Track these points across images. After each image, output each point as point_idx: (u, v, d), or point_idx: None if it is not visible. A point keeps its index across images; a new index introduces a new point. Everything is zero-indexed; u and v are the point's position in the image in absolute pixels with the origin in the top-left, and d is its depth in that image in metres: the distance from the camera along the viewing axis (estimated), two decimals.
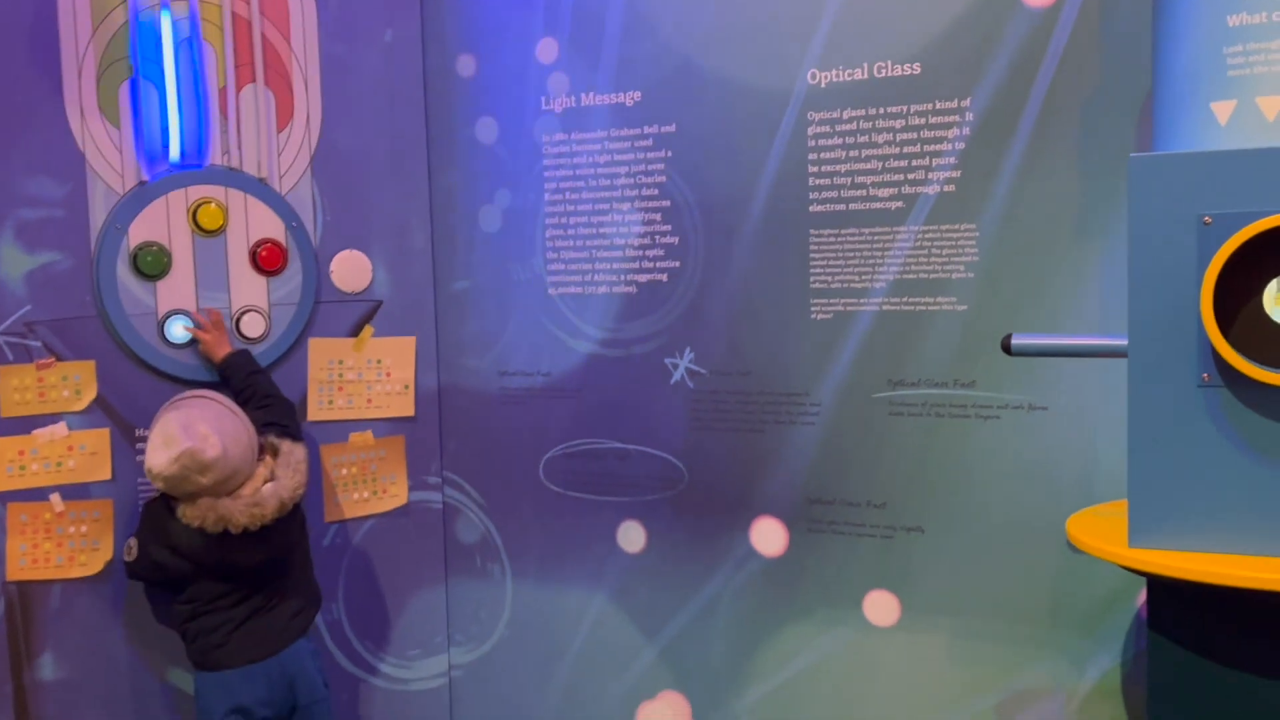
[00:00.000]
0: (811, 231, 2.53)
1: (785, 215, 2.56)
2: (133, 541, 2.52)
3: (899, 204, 2.44)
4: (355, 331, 2.90)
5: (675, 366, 2.72)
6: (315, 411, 2.86)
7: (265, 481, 2.46)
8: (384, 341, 2.92)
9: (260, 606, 2.52)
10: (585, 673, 2.91)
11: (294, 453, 2.53)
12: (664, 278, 2.71)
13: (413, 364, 2.95)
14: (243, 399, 2.63)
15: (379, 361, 2.93)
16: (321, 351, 2.86)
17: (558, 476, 2.90)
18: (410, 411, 2.95)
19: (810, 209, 2.53)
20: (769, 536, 2.65)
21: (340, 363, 2.89)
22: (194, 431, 2.37)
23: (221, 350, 2.65)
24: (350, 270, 2.87)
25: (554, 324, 2.86)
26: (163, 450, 2.36)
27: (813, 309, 2.55)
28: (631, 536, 2.82)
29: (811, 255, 2.54)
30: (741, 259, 2.62)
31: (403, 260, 2.93)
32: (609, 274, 2.78)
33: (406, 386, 2.94)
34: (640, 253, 2.74)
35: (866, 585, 2.54)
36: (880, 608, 2.53)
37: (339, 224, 2.85)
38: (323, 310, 2.84)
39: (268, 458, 2.52)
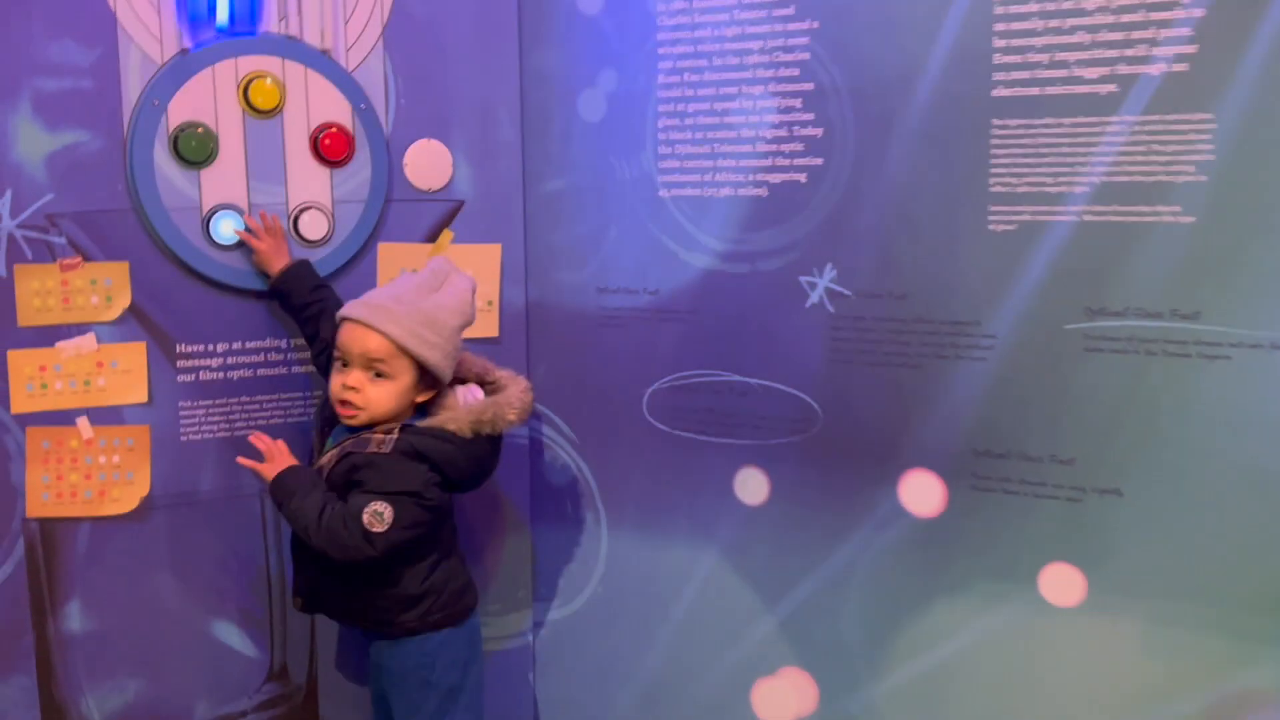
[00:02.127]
0: (994, 122, 2.04)
1: (960, 101, 2.07)
2: (380, 506, 2.01)
3: (1111, 87, 1.94)
4: (432, 236, 2.47)
5: (812, 286, 2.26)
6: None
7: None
8: (465, 249, 2.49)
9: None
10: (691, 640, 2.50)
11: None
12: (802, 178, 2.24)
13: (498, 276, 2.52)
14: (307, 317, 2.23)
15: None
16: (393, 259, 2.44)
17: (665, 413, 2.46)
18: (494, 332, 2.52)
19: (993, 93, 2.04)
20: (922, 493, 2.20)
21: (414, 273, 2.46)
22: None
23: (280, 260, 2.24)
24: (428, 164, 2.43)
25: (665, 232, 2.41)
26: (451, 274, 2.15)
27: (991, 218, 2.07)
28: (751, 486, 2.39)
29: (993, 151, 2.05)
30: (901, 155, 2.14)
31: (487, 154, 2.48)
32: (734, 173, 2.31)
33: (490, 303, 2.52)
34: (774, 147, 2.27)
35: (1044, 556, 2.09)
36: (1060, 584, 2.08)
37: (415, 109, 2.41)
38: (394, 210, 2.42)
39: None
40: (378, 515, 2.01)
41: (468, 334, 2.19)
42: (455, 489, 2.13)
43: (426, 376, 2.09)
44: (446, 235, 2.48)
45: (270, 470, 2.07)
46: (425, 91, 2.41)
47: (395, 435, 2.05)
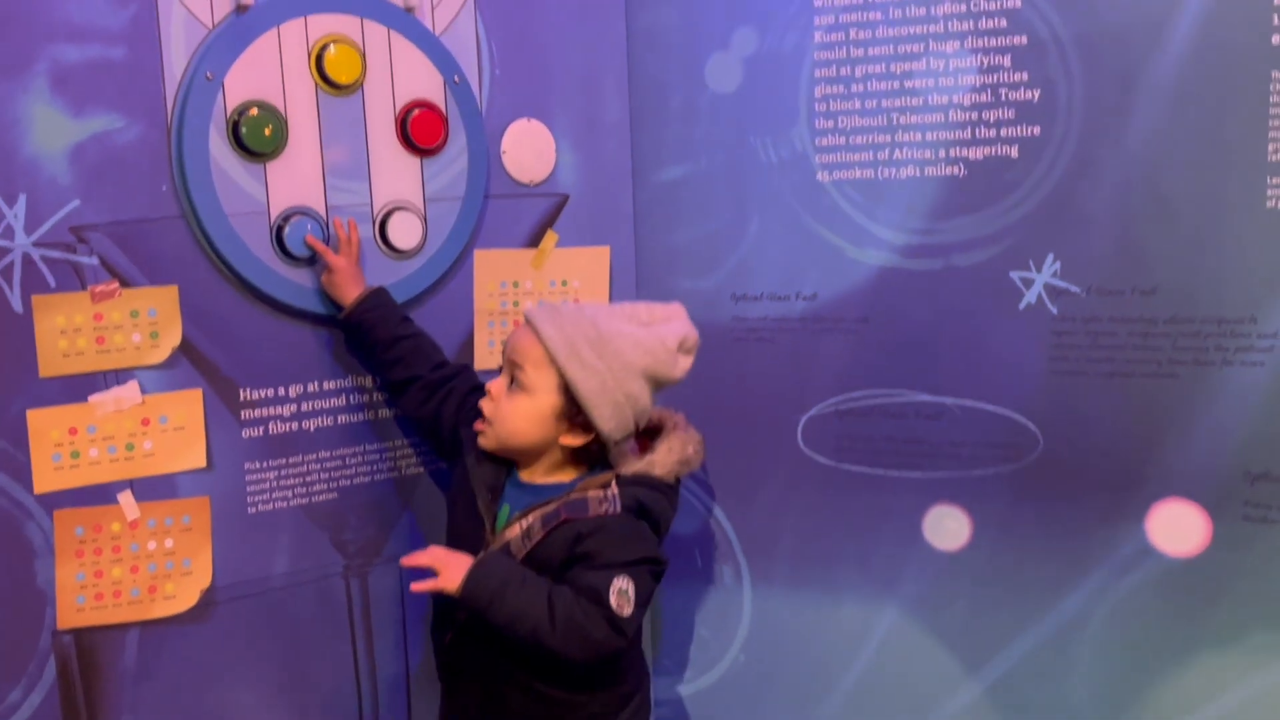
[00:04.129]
0: (1275, 75, 1.67)
1: (1227, 51, 1.70)
2: (623, 583, 1.56)
3: None
4: (533, 241, 2.00)
5: (1028, 283, 1.86)
6: (484, 356, 1.97)
7: None
8: (571, 253, 2.03)
9: None
10: (865, 712, 2.08)
11: None
12: (1013, 152, 1.84)
13: (606, 286, 2.06)
14: (396, 357, 1.75)
15: (564, 283, 2.03)
16: (491, 269, 1.96)
17: (826, 443, 2.03)
18: None
19: (1273, 40, 1.66)
20: (1178, 528, 1.82)
21: (515, 285, 1.99)
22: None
23: (356, 285, 1.75)
24: (530, 150, 1.96)
25: (825, 224, 1.98)
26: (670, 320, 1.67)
27: (1271, 193, 1.70)
28: (948, 527, 1.97)
29: (1273, 114, 1.68)
30: (1146, 120, 1.75)
31: (591, 136, 2.02)
32: (919, 149, 1.90)
33: None
34: (974, 115, 1.86)
35: None
36: None
37: (511, 82, 1.93)
38: (492, 208, 1.94)
39: None
40: (624, 595, 1.55)
41: None
42: None
43: (578, 416, 1.62)
44: (550, 238, 2.01)
45: (451, 578, 1.55)
46: (522, 60, 1.94)
47: (614, 489, 1.60)
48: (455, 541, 1.67)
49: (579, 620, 1.52)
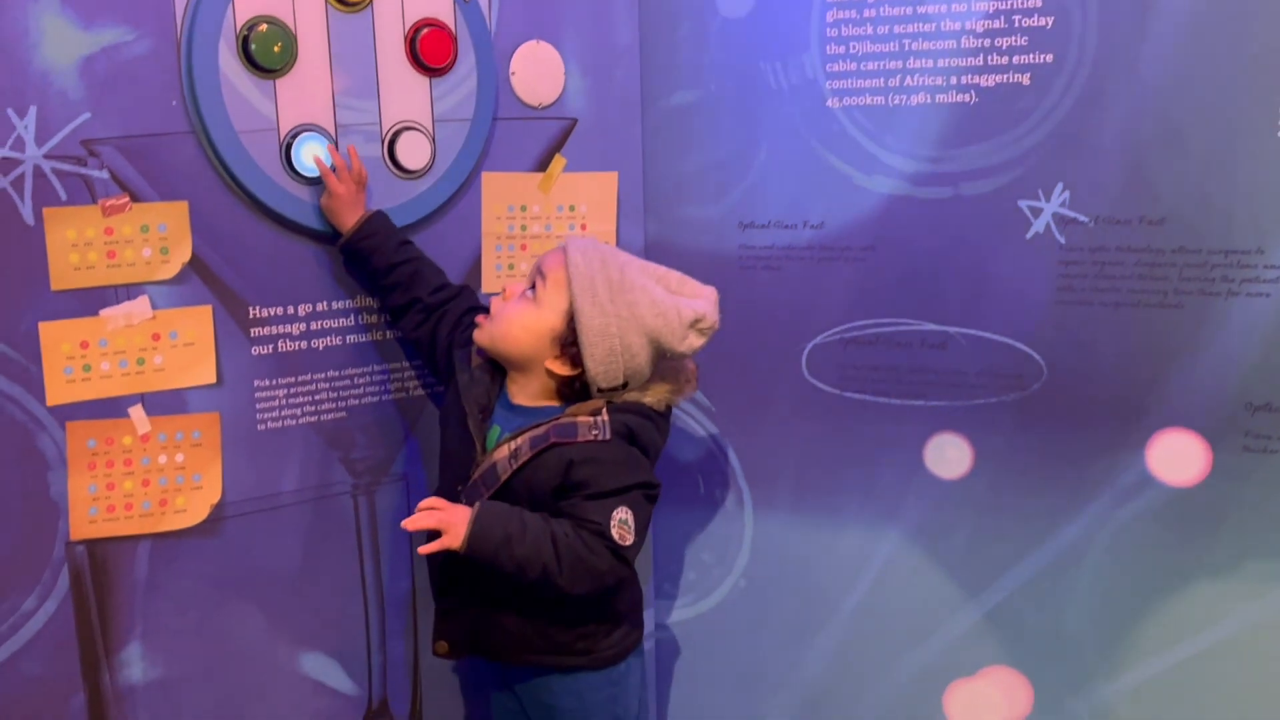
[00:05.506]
0: None
1: None
2: (623, 513, 1.59)
3: None
4: (541, 164, 1.99)
5: (1036, 212, 1.86)
6: (492, 280, 1.97)
7: None
8: (577, 179, 2.03)
9: None
10: (866, 639, 2.10)
11: None
12: (1025, 79, 1.83)
13: (613, 212, 2.07)
14: (396, 282, 1.75)
15: (571, 208, 2.03)
16: (499, 192, 1.96)
17: (830, 371, 2.04)
18: None
19: None
20: (1178, 457, 1.83)
21: (523, 209, 1.99)
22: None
23: (356, 210, 1.75)
24: (538, 72, 1.95)
25: (834, 151, 1.98)
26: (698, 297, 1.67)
27: None
28: (949, 455, 1.99)
29: None
30: (1159, 48, 1.74)
31: (600, 60, 2.01)
32: (930, 75, 1.89)
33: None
34: (986, 42, 1.84)
35: None
36: None
37: (521, 3, 1.92)
38: (500, 131, 1.93)
39: None
40: (625, 525, 1.57)
41: None
42: None
43: (572, 347, 1.63)
44: (559, 162, 2.01)
45: (455, 533, 1.56)
46: None
47: (605, 416, 1.60)
48: (446, 461, 1.69)
49: (584, 556, 1.55)
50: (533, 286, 1.66)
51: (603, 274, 1.61)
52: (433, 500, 1.58)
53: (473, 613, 1.69)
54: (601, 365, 1.62)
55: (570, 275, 1.61)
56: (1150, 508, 1.86)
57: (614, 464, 1.59)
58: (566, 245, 1.65)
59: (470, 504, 1.59)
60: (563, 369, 1.66)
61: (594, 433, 1.60)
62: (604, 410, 1.62)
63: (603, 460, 1.59)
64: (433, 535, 1.57)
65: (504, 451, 1.61)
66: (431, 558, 1.69)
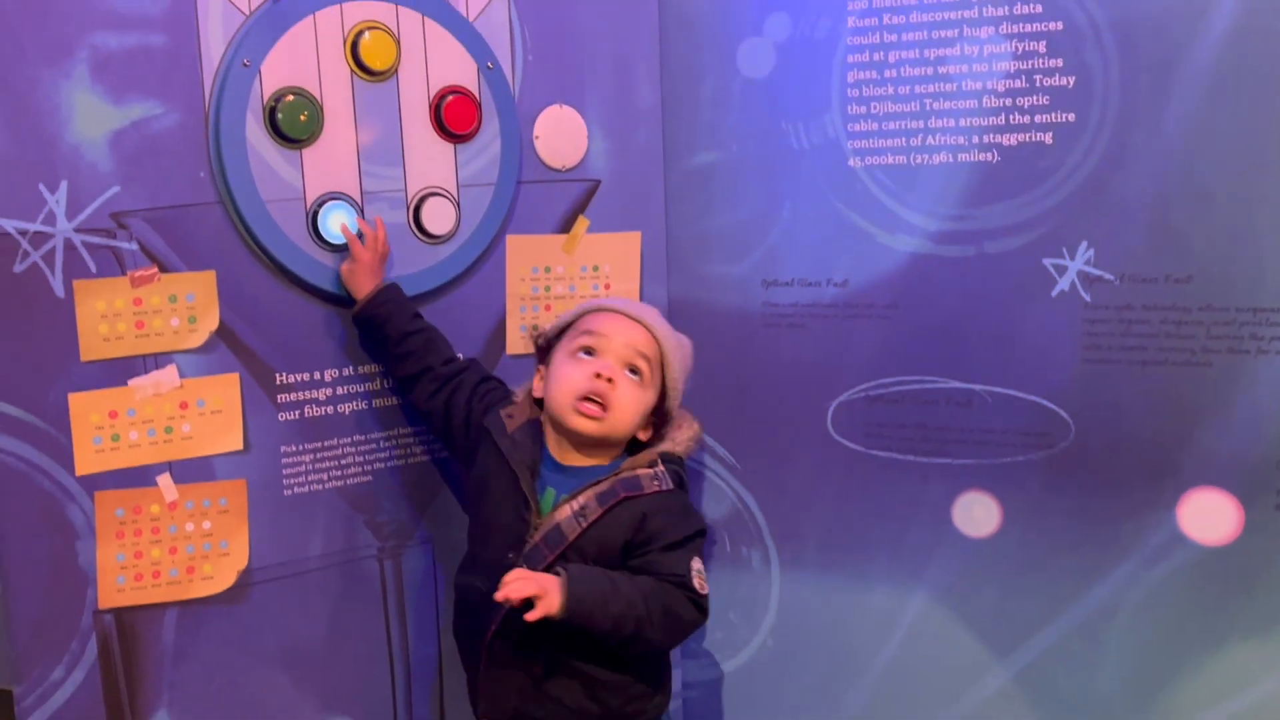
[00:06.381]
0: None
1: (1268, 38, 1.68)
2: (699, 563, 1.65)
3: None
4: (565, 226, 2.00)
5: (1061, 270, 1.85)
6: (515, 342, 1.98)
7: None
8: (602, 239, 2.04)
9: None
10: (893, 700, 2.08)
11: None
12: (1047, 138, 1.83)
13: (637, 272, 2.07)
14: (407, 351, 1.76)
15: (595, 268, 2.04)
16: (523, 254, 1.97)
17: (855, 429, 2.04)
18: None
19: None
20: (1210, 516, 1.81)
21: (547, 270, 2.00)
22: None
23: (374, 279, 1.76)
24: (562, 136, 1.97)
25: (857, 210, 1.98)
26: None
27: None
28: (977, 514, 1.97)
29: None
30: (1185, 107, 1.74)
31: (623, 122, 2.02)
32: (952, 134, 1.89)
33: None
34: (1008, 102, 1.85)
35: None
36: None
37: (544, 68, 1.94)
38: (524, 194, 1.95)
39: None
40: (701, 574, 1.64)
41: None
42: None
43: (653, 417, 1.75)
44: (582, 223, 2.02)
45: (551, 600, 1.54)
46: (555, 46, 1.95)
47: (660, 467, 1.65)
48: (489, 526, 1.69)
49: (673, 608, 1.59)
50: (633, 370, 1.69)
51: (675, 339, 1.76)
52: (520, 571, 1.58)
53: (520, 680, 1.68)
54: (675, 408, 1.76)
55: (665, 351, 1.72)
56: (1182, 568, 1.84)
57: (683, 513, 1.65)
58: (635, 315, 1.72)
59: (532, 567, 1.60)
60: (648, 434, 1.75)
61: (656, 483, 1.64)
62: (659, 462, 1.64)
63: (673, 510, 1.64)
64: (488, 605, 1.59)
65: (566, 511, 1.62)
66: (472, 630, 1.69)
